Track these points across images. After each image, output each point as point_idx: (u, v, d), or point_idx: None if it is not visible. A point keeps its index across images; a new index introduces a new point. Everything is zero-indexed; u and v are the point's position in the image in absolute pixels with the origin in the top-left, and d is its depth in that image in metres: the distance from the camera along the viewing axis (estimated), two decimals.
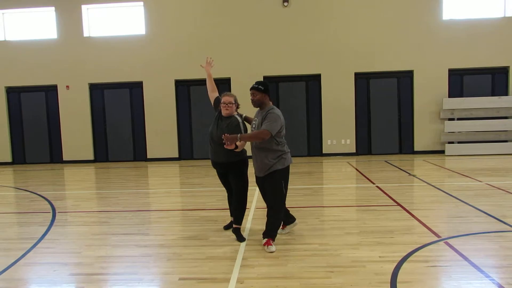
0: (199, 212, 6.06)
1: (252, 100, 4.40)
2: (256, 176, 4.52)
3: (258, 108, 4.49)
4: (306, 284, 3.41)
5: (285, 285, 3.39)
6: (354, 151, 12.57)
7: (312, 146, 12.78)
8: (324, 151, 12.61)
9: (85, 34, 12.87)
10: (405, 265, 3.75)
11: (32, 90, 13.20)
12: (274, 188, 4.30)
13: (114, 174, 10.57)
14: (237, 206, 4.58)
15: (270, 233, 4.33)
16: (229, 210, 5.08)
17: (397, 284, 3.35)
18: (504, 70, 12.22)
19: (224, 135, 4.07)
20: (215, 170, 4.82)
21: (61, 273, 3.85)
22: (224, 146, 4.14)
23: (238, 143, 4.21)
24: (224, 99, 4.53)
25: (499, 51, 12.03)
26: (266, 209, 4.46)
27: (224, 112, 4.52)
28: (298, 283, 3.42)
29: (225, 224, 5.10)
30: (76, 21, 12.82)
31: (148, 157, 12.96)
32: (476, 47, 12.07)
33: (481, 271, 3.57)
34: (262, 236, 4.42)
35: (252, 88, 4.39)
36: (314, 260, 3.95)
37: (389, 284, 3.35)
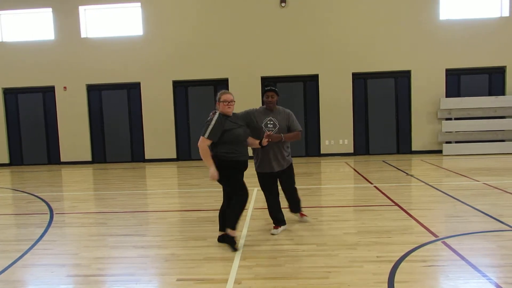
0: (196, 213, 6.06)
1: (270, 101, 4.69)
2: (268, 173, 4.77)
3: (261, 109, 4.76)
4: (304, 284, 3.41)
5: (282, 286, 3.39)
6: (352, 151, 12.59)
7: (310, 147, 12.79)
8: (322, 152, 12.62)
9: (83, 35, 12.86)
10: (402, 265, 3.76)
11: (29, 91, 13.18)
12: (293, 175, 5.03)
13: (112, 175, 10.56)
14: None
15: (300, 206, 5.27)
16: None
17: (395, 284, 3.35)
18: (501, 70, 12.25)
19: (269, 133, 4.47)
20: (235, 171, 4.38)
21: (58, 274, 3.84)
22: (263, 143, 4.49)
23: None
24: (226, 97, 4.33)
25: (496, 51, 12.07)
26: (286, 194, 5.09)
27: (227, 111, 4.33)
28: (296, 284, 3.42)
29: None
30: (74, 22, 12.81)
31: (146, 158, 12.94)
32: (473, 47, 12.11)
33: (478, 271, 3.58)
34: (292, 212, 5.27)
35: (271, 90, 4.68)
36: (312, 260, 3.95)
37: (386, 284, 3.35)
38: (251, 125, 4.67)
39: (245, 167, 4.44)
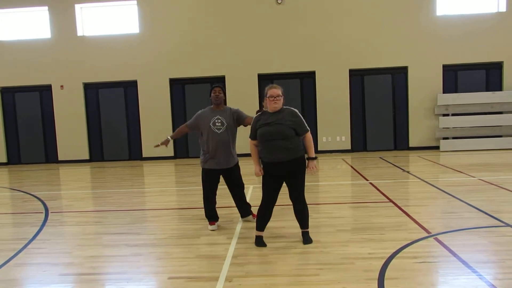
0: (192, 210, 6.07)
1: (218, 97, 4.91)
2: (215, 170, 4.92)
3: (207, 109, 5.00)
4: (294, 281, 3.42)
5: (272, 283, 3.40)
6: (349, 148, 12.59)
7: None
8: (319, 148, 12.61)
9: (79, 33, 12.84)
10: (393, 261, 3.76)
11: (26, 90, 13.17)
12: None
13: (109, 174, 10.57)
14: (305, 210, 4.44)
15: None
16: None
17: (385, 281, 3.36)
18: (498, 65, 12.23)
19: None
20: (269, 173, 4.24)
21: (51, 273, 3.85)
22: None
23: None
24: (271, 92, 4.12)
25: (492, 47, 12.05)
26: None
27: (273, 107, 4.12)
28: (286, 281, 3.43)
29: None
30: (70, 21, 12.78)
31: (143, 156, 12.95)
32: (470, 42, 12.08)
33: (469, 267, 3.58)
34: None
35: (219, 87, 4.95)
36: (304, 257, 3.96)
37: (376, 281, 3.36)
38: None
39: (273, 168, 4.16)
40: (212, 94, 4.91)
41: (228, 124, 4.83)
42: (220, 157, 4.84)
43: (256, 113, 4.45)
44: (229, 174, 5.01)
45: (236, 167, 5.05)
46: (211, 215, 5.06)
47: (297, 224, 5.04)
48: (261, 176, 4.30)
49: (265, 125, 4.14)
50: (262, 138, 4.16)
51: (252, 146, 4.33)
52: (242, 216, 5.26)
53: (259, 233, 4.36)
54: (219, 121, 4.81)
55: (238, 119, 4.92)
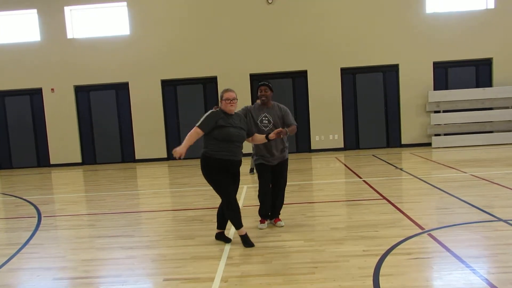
0: (185, 212, 6.05)
1: (264, 95, 4.73)
2: (265, 165, 4.79)
3: (257, 105, 4.83)
4: (290, 280, 3.43)
5: (268, 282, 3.41)
6: (342, 146, 12.63)
7: (301, 143, 12.80)
8: (312, 147, 12.65)
9: (69, 35, 12.74)
10: (388, 258, 3.78)
11: (16, 94, 13.04)
12: (286, 173, 4.96)
13: (102, 176, 10.50)
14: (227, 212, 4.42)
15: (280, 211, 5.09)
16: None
17: (380, 277, 3.38)
18: (487, 61, 12.35)
19: (280, 130, 4.32)
20: (223, 172, 4.27)
21: (44, 278, 3.82)
22: (270, 137, 4.37)
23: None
24: (228, 95, 4.27)
25: (482, 43, 12.16)
26: (274, 193, 4.95)
27: (229, 109, 4.26)
28: (282, 280, 3.44)
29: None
30: (59, 23, 12.68)
31: (136, 158, 12.89)
32: (460, 39, 12.18)
33: (462, 262, 3.61)
34: (275, 216, 5.04)
35: (264, 85, 4.76)
36: (299, 256, 3.97)
37: (371, 278, 3.38)
38: (249, 122, 4.68)
39: (231, 166, 4.27)
40: (258, 93, 4.79)
41: (275, 123, 4.71)
42: (268, 154, 4.73)
43: (214, 109, 4.39)
44: (277, 169, 4.88)
45: (285, 163, 4.92)
46: (265, 213, 4.96)
47: (292, 223, 5.09)
48: (216, 178, 4.23)
49: (233, 127, 4.22)
50: (230, 139, 4.19)
51: (196, 135, 4.25)
52: (270, 218, 5.06)
53: (243, 231, 4.35)
54: (266, 118, 4.73)
55: (283, 118, 4.79)
